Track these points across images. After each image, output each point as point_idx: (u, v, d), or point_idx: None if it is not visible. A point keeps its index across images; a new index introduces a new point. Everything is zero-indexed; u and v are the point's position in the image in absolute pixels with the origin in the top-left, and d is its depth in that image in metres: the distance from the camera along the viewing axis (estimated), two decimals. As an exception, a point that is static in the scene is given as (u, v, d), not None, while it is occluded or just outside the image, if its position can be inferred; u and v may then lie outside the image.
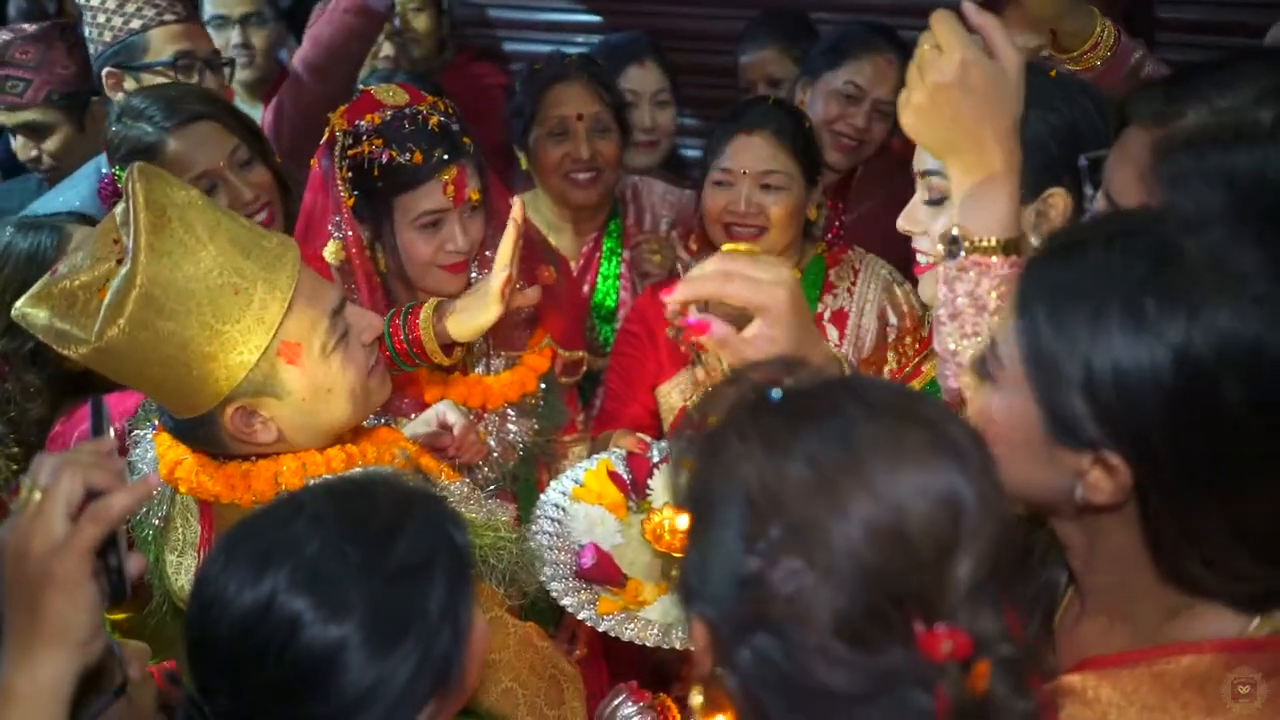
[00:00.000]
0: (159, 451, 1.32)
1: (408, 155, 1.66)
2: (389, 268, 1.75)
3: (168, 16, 2.26)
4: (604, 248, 2.42)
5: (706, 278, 1.13)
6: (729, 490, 0.75)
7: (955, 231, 1.16)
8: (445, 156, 1.68)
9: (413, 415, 1.70)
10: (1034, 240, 1.28)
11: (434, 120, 1.69)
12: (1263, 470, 0.82)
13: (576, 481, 1.73)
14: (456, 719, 1.12)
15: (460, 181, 1.70)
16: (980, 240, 1.14)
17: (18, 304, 1.20)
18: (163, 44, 2.25)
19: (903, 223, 1.38)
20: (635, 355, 2.11)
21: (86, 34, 2.32)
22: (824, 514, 0.71)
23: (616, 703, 1.42)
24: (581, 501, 1.69)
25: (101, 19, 2.26)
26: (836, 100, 2.38)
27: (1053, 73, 1.37)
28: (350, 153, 1.69)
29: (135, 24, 2.25)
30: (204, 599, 0.95)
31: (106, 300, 1.14)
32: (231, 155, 1.95)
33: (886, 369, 1.97)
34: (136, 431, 1.42)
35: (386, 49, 3.03)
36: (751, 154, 1.96)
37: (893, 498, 0.70)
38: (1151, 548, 0.89)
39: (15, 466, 1.72)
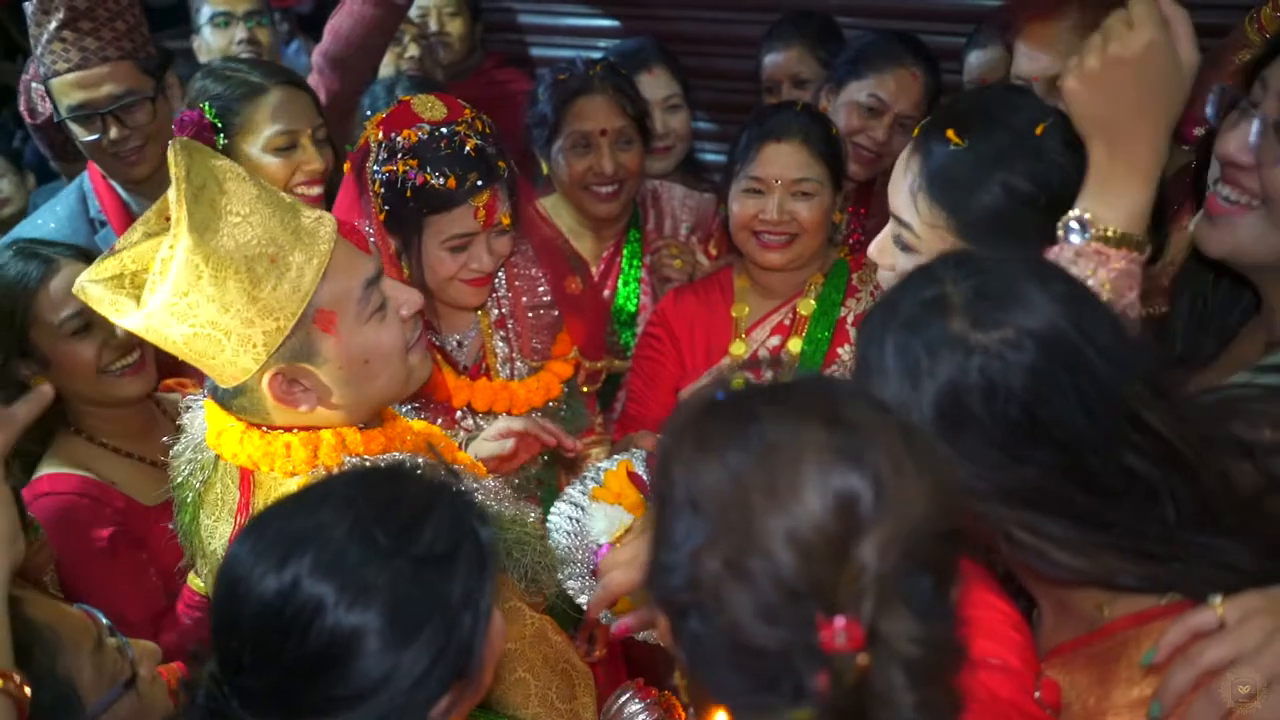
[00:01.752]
0: (208, 418, 1.36)
1: (441, 180, 1.66)
2: (412, 277, 1.75)
3: (60, 65, 2.05)
4: (624, 252, 2.44)
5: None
6: (668, 491, 0.83)
7: (1085, 215, 1.16)
8: (479, 182, 1.68)
9: (439, 420, 1.72)
10: None
11: (471, 144, 1.68)
12: (1036, 470, 0.92)
13: (596, 481, 1.74)
14: (472, 715, 1.13)
15: (492, 206, 1.71)
16: (1106, 230, 1.15)
17: (78, 281, 1.24)
18: (60, 95, 2.08)
19: (874, 253, 1.41)
20: (657, 358, 2.13)
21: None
22: (736, 519, 0.77)
23: (624, 699, 1.42)
24: (601, 501, 1.70)
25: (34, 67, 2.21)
26: (858, 112, 2.39)
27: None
28: (385, 169, 1.68)
29: (44, 71, 2.09)
30: (231, 578, 0.97)
31: (152, 271, 1.19)
32: (315, 127, 2.09)
33: None
34: (190, 396, 1.46)
35: (412, 50, 3.04)
36: (783, 162, 1.96)
37: (792, 502, 0.76)
38: (1023, 557, 0.97)
39: None
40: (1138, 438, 0.91)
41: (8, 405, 1.68)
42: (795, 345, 2.05)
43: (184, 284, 1.18)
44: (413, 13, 3.05)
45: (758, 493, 0.77)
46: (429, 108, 1.71)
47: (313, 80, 2.48)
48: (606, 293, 2.41)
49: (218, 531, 1.34)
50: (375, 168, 1.70)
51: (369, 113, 2.39)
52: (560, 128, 2.26)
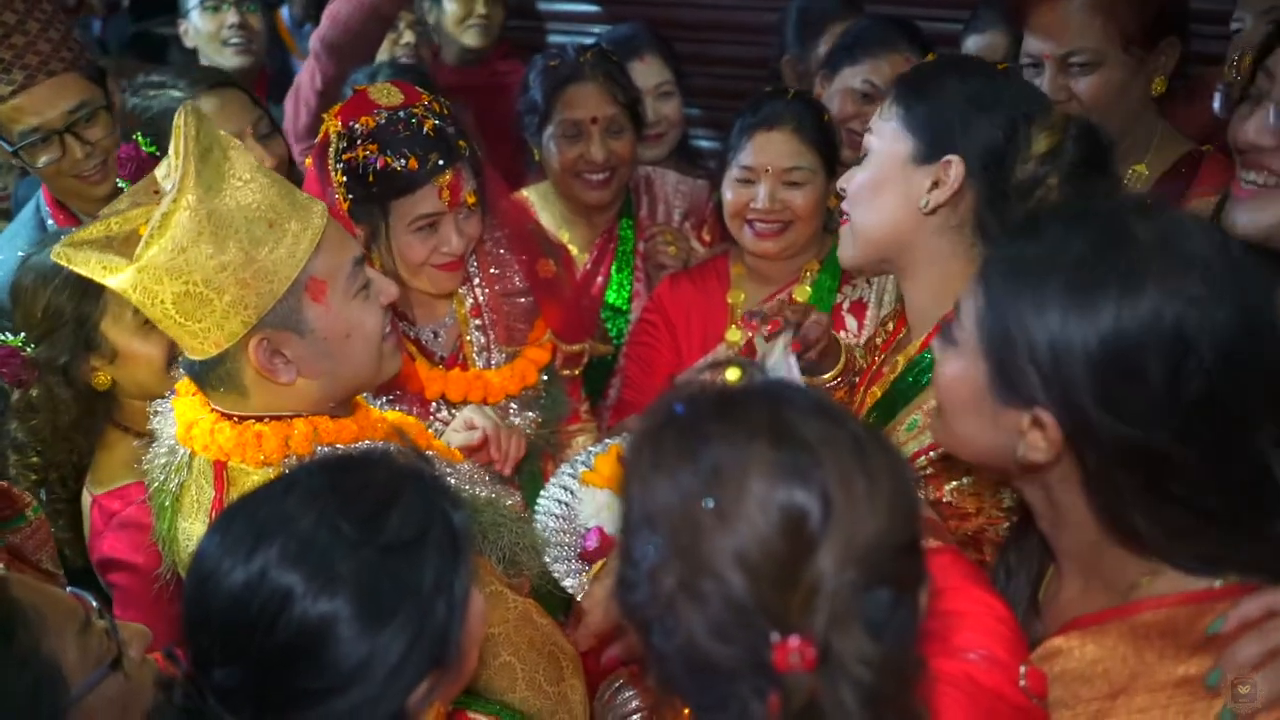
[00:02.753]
0: (177, 415, 1.36)
1: (402, 161, 1.66)
2: (384, 267, 1.74)
3: (1, 90, 1.90)
4: (617, 239, 2.42)
5: None
6: (629, 507, 0.84)
7: None
8: (440, 161, 1.68)
9: (414, 412, 1.71)
10: (922, 205, 1.35)
11: (429, 124, 1.68)
12: (1182, 442, 0.88)
13: (587, 465, 1.74)
14: (460, 701, 1.13)
15: (456, 185, 1.70)
16: None
17: (57, 246, 1.24)
18: (8, 124, 1.95)
19: (841, 182, 1.47)
20: (653, 344, 2.12)
21: None
22: (686, 540, 0.77)
23: (616, 686, 1.42)
24: (590, 485, 1.70)
25: None
26: (853, 98, 2.38)
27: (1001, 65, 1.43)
28: (345, 156, 1.68)
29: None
30: (200, 573, 0.96)
31: (149, 226, 1.20)
32: (255, 121, 2.03)
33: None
34: (158, 402, 1.45)
35: (408, 37, 3.04)
36: (774, 150, 1.95)
37: (739, 523, 0.75)
38: (1095, 506, 0.96)
39: (35, 476, 1.76)
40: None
41: (76, 397, 1.70)
42: (794, 328, 2.04)
43: (184, 239, 1.19)
44: None
45: (706, 513, 0.76)
46: (385, 94, 1.71)
47: (309, 65, 2.47)
48: (600, 279, 2.40)
49: (194, 533, 1.33)
50: (337, 159, 1.70)
51: None
52: (551, 115, 2.25)
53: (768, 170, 1.95)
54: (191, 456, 1.34)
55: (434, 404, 1.83)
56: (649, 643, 0.82)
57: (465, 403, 1.81)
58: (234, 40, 2.75)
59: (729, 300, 2.10)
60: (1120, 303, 0.88)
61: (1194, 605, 0.94)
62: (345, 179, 1.69)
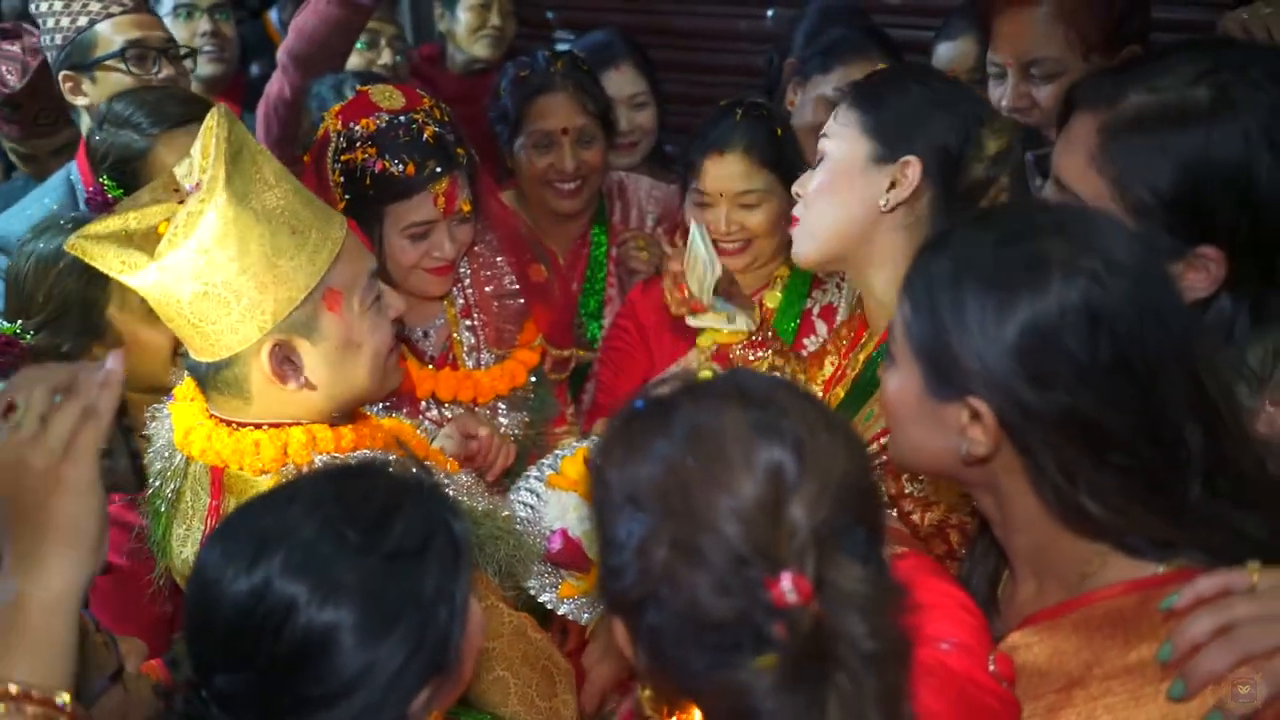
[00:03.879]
0: (174, 421, 1.36)
1: (400, 166, 1.66)
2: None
3: (114, 8, 2.20)
4: (590, 244, 2.44)
5: None
6: (605, 497, 0.86)
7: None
8: (438, 169, 1.68)
9: (404, 411, 1.72)
10: (882, 204, 1.40)
11: (429, 131, 1.68)
12: (1109, 405, 0.93)
13: (554, 468, 1.75)
14: (452, 711, 1.13)
15: (451, 193, 1.71)
16: None
17: (73, 237, 1.23)
18: (112, 35, 2.20)
19: (797, 187, 1.52)
20: (626, 349, 2.14)
21: (43, 41, 2.28)
22: (676, 503, 0.81)
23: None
24: (556, 488, 1.71)
25: (51, 23, 2.22)
26: (824, 105, 2.37)
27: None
28: (343, 157, 1.68)
29: (82, 20, 2.19)
30: (203, 580, 0.96)
31: (173, 225, 1.20)
32: None
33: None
34: (154, 407, 1.45)
35: (385, 57, 3.02)
36: (725, 175, 1.95)
37: (727, 479, 0.80)
38: (1042, 496, 0.99)
39: None
40: (1197, 399, 0.94)
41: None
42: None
43: (209, 241, 1.19)
44: (474, 1, 3.04)
45: (693, 475, 0.81)
46: (387, 97, 1.71)
47: (277, 77, 2.46)
48: (574, 284, 2.41)
49: (189, 539, 1.33)
50: (334, 157, 1.70)
51: (316, 110, 2.37)
52: (522, 125, 2.26)
53: (721, 195, 1.96)
54: (188, 462, 1.34)
55: (424, 403, 1.83)
56: (641, 625, 0.84)
57: (455, 402, 1.83)
58: (207, 48, 2.73)
59: (701, 306, 2.11)
60: (1030, 293, 0.94)
61: (1141, 592, 0.97)
62: (342, 179, 1.69)
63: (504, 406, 1.87)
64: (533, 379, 1.91)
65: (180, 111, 1.97)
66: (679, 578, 0.80)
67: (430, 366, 1.85)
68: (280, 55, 2.44)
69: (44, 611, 0.87)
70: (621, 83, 2.63)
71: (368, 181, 1.67)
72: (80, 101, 2.22)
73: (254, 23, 3.70)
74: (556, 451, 1.79)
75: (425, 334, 1.89)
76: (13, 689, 0.84)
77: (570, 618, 1.51)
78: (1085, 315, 0.93)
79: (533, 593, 1.52)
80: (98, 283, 1.66)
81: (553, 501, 1.68)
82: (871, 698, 0.76)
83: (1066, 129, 1.23)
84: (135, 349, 1.70)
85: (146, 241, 1.21)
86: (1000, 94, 1.95)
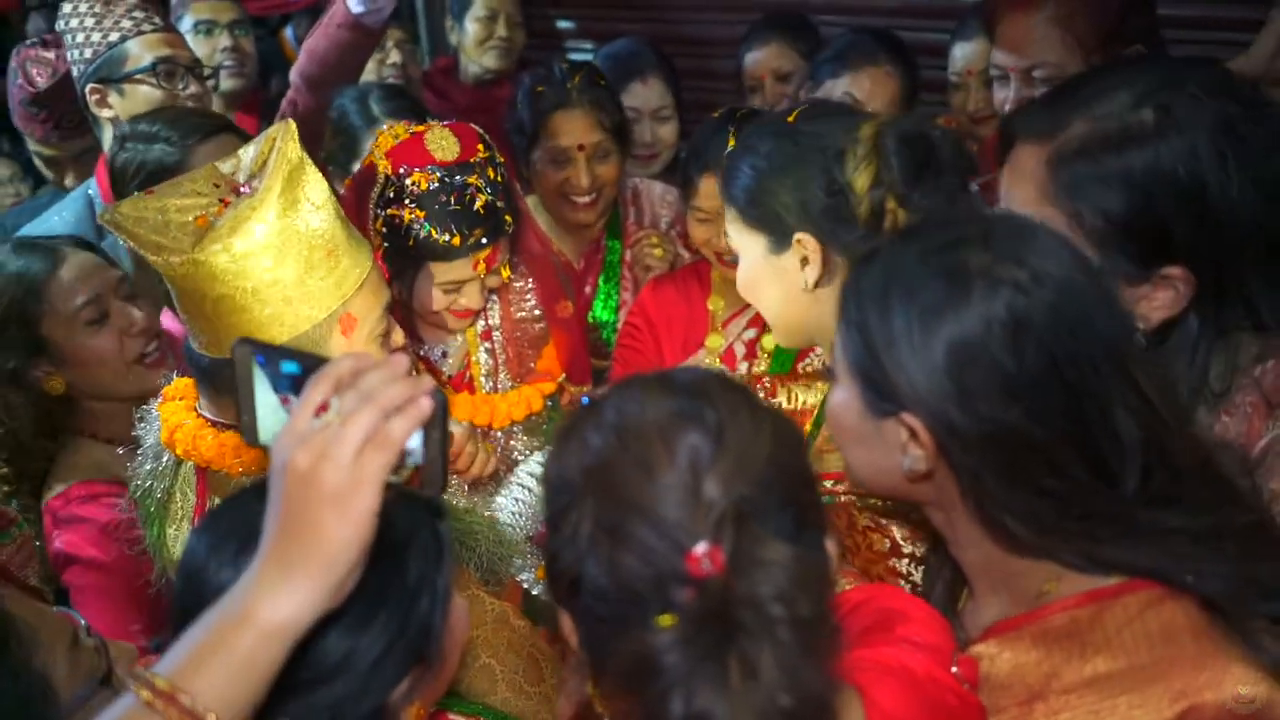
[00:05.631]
0: (163, 419, 1.39)
1: (447, 237, 1.65)
2: (402, 299, 1.76)
3: (145, 26, 2.27)
4: (605, 249, 2.47)
5: None
6: (547, 486, 0.91)
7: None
8: (484, 240, 1.68)
9: None
10: (804, 286, 1.35)
11: (481, 201, 1.66)
12: (1036, 419, 0.92)
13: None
14: (443, 703, 1.16)
15: (492, 259, 1.71)
16: None
17: (110, 207, 1.25)
18: (143, 52, 2.26)
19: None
20: (637, 348, 2.15)
21: (69, 56, 2.33)
22: (602, 486, 0.84)
23: None
24: None
25: (81, 37, 2.28)
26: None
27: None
28: (390, 211, 1.67)
29: (114, 36, 2.26)
30: (189, 570, 0.99)
31: (217, 223, 1.23)
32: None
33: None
34: (143, 407, 1.48)
35: (395, 56, 3.07)
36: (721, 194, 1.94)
37: (645, 461, 0.83)
38: (973, 514, 1.00)
39: (7, 487, 1.73)
40: (1131, 397, 0.94)
41: (31, 404, 1.63)
42: (769, 342, 2.06)
43: (250, 248, 1.22)
44: (480, 13, 3.09)
45: (617, 457, 0.84)
46: (442, 146, 1.68)
47: (290, 97, 2.52)
48: (588, 289, 2.44)
49: (180, 540, 1.37)
50: (380, 205, 1.68)
51: (337, 119, 2.42)
52: (538, 139, 2.28)
53: (719, 212, 1.92)
54: (178, 463, 1.37)
55: None
56: (578, 608, 0.87)
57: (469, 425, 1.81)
58: (227, 63, 2.80)
59: (709, 306, 2.12)
60: (954, 306, 0.94)
61: (1094, 604, 0.98)
62: (384, 229, 1.68)
63: (519, 431, 1.87)
64: (549, 403, 1.91)
65: (207, 124, 2.04)
66: (604, 554, 0.83)
67: (448, 387, 1.85)
68: (293, 76, 2.51)
69: (260, 638, 0.80)
70: (648, 95, 2.65)
71: (410, 242, 1.67)
72: (105, 114, 2.28)
73: (270, 40, 3.77)
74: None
75: (444, 354, 1.90)
76: (197, 708, 0.78)
77: (546, 599, 1.51)
78: (1010, 326, 0.92)
79: (514, 573, 1.53)
80: (33, 297, 1.67)
81: None
82: (775, 662, 0.76)
83: (1011, 161, 1.22)
84: (80, 362, 1.72)
85: (183, 231, 1.24)
86: (1004, 97, 1.95)
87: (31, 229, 2.18)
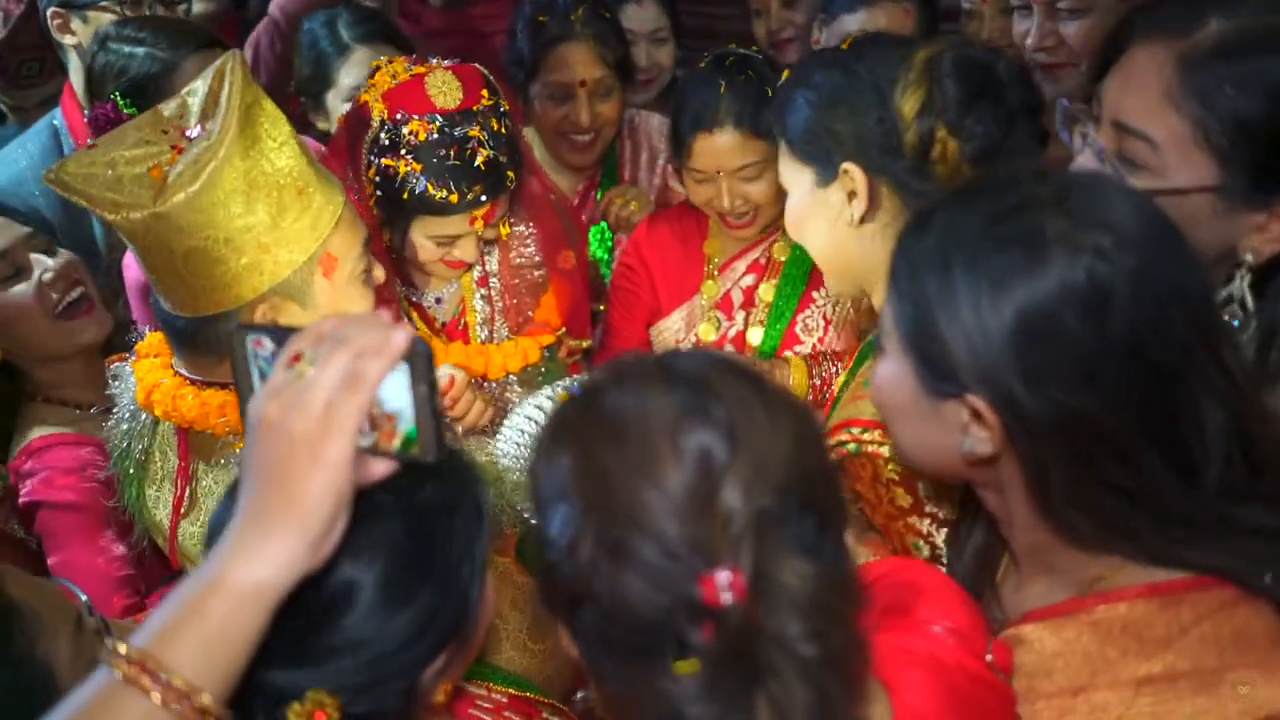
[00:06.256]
0: (138, 378, 1.34)
1: (445, 193, 1.56)
2: (393, 247, 1.69)
3: None
4: (599, 186, 2.40)
5: None
6: (540, 491, 0.82)
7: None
8: (483, 197, 1.59)
9: None
10: (849, 221, 1.29)
11: (483, 156, 1.56)
12: (1111, 405, 0.85)
13: (568, 390, 1.70)
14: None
15: (490, 215, 1.64)
16: None
17: (55, 168, 1.18)
18: None
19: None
20: (632, 289, 2.11)
21: None
22: (601, 497, 0.76)
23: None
24: None
25: None
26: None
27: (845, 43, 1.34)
28: (385, 161, 1.57)
29: None
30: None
31: (174, 173, 1.15)
32: None
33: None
34: (115, 365, 1.43)
35: None
36: (719, 153, 1.85)
37: (652, 470, 0.74)
38: (1033, 502, 0.93)
39: None
40: (1219, 380, 0.86)
41: None
42: (767, 291, 2.01)
43: (217, 195, 1.15)
44: None
45: (616, 467, 0.76)
46: (443, 92, 1.57)
47: (268, 27, 2.41)
48: (584, 218, 2.36)
49: (160, 500, 1.34)
50: (375, 153, 1.59)
51: (307, 49, 2.29)
52: (538, 72, 2.19)
53: (719, 171, 1.86)
54: (155, 423, 1.33)
55: None
56: (579, 628, 0.81)
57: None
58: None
59: (705, 250, 2.06)
60: (1027, 272, 0.85)
61: (1157, 598, 0.91)
62: (378, 179, 1.59)
63: (514, 383, 1.81)
64: (546, 354, 1.85)
65: (198, 35, 1.95)
66: (607, 576, 0.75)
67: (442, 336, 1.80)
68: (272, 10, 2.41)
69: (235, 602, 0.76)
70: (643, 17, 2.55)
71: (405, 195, 1.58)
72: (68, 40, 2.17)
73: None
74: (563, 381, 1.75)
75: (437, 300, 1.84)
76: (176, 681, 0.74)
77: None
78: (1090, 297, 0.83)
79: (516, 506, 1.50)
80: None
81: None
82: (808, 706, 0.71)
83: (1125, 65, 1.10)
84: (8, 321, 1.67)
85: (138, 185, 1.16)
86: (1024, 30, 1.86)
87: None
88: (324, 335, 0.80)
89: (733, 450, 0.74)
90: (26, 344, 1.72)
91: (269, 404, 0.77)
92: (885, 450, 1.23)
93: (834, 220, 1.32)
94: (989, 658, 0.93)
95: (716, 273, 2.04)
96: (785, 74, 1.44)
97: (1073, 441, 0.87)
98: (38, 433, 1.72)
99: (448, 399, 1.59)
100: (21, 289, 1.71)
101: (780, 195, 1.82)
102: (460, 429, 1.62)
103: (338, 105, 2.21)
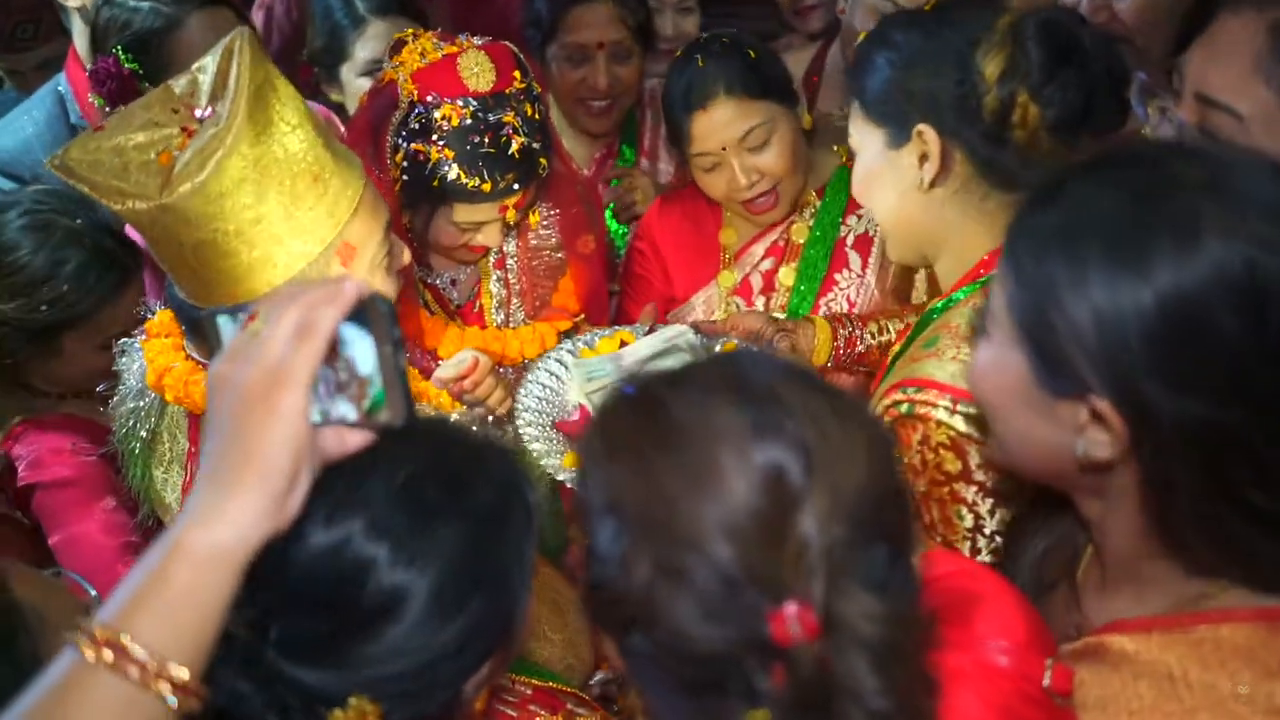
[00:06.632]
0: (148, 358, 1.31)
1: (478, 182, 1.51)
2: (413, 231, 1.65)
3: None
4: (618, 155, 2.35)
5: None
6: (588, 499, 0.77)
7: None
8: (515, 186, 1.54)
9: (432, 367, 1.65)
10: (920, 184, 1.26)
11: (517, 144, 1.51)
12: (1258, 418, 0.77)
13: (589, 345, 1.69)
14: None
15: (520, 204, 1.59)
16: None
17: (59, 153, 1.12)
18: None
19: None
20: (644, 275, 2.06)
21: None
22: (659, 515, 0.71)
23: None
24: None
25: None
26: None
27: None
28: (415, 146, 1.51)
29: None
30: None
31: (183, 158, 1.09)
32: None
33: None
34: (124, 340, 1.39)
35: None
36: (718, 126, 1.77)
37: (716, 488, 0.70)
38: (1146, 513, 0.85)
39: None
40: None
41: None
42: (788, 275, 1.95)
43: (225, 185, 1.09)
44: None
45: (677, 484, 0.71)
46: (476, 73, 1.51)
47: (283, 4, 2.34)
48: (601, 188, 2.32)
49: (169, 483, 1.31)
50: (403, 137, 1.53)
51: (321, 19, 2.20)
52: (555, 33, 2.13)
53: (724, 149, 1.78)
54: (164, 404, 1.30)
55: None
56: (628, 647, 0.76)
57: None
58: None
59: (721, 240, 2.00)
60: (1175, 256, 0.76)
61: (1265, 624, 0.84)
62: (406, 164, 1.53)
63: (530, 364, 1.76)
64: (560, 338, 1.79)
65: None
66: (662, 601, 0.70)
67: (458, 320, 1.76)
68: None
69: (197, 567, 0.73)
70: None
71: (435, 182, 1.52)
72: (71, 2, 2.09)
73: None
74: (595, 331, 1.73)
75: (452, 282, 1.79)
76: (142, 655, 0.71)
77: (569, 485, 1.44)
78: (1250, 290, 0.74)
79: (537, 457, 1.48)
80: None
81: (578, 374, 1.62)
82: None
83: (1211, 35, 1.06)
84: None
85: (145, 173, 1.10)
86: (1075, 3, 1.80)
87: (1, 138, 2.06)
88: (280, 297, 0.78)
89: (808, 472, 0.69)
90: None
91: (223, 363, 0.76)
92: (938, 413, 1.18)
93: (903, 184, 1.29)
94: (1046, 683, 0.86)
95: (733, 259, 1.99)
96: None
97: (1208, 455, 0.78)
98: (21, 416, 1.72)
99: (468, 382, 1.56)
100: None
101: (797, 165, 1.83)
102: (478, 413, 1.58)
103: (351, 79, 2.15)
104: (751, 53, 1.79)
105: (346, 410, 0.78)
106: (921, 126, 1.24)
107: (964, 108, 1.21)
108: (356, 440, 0.80)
